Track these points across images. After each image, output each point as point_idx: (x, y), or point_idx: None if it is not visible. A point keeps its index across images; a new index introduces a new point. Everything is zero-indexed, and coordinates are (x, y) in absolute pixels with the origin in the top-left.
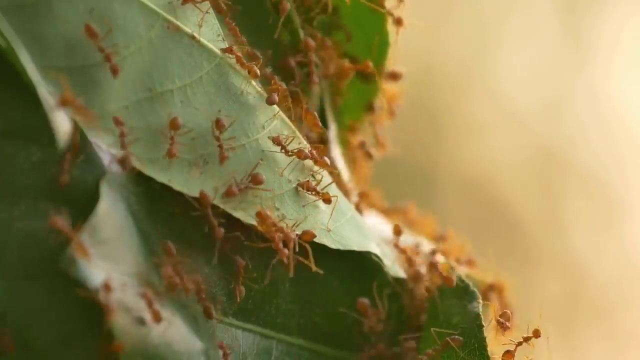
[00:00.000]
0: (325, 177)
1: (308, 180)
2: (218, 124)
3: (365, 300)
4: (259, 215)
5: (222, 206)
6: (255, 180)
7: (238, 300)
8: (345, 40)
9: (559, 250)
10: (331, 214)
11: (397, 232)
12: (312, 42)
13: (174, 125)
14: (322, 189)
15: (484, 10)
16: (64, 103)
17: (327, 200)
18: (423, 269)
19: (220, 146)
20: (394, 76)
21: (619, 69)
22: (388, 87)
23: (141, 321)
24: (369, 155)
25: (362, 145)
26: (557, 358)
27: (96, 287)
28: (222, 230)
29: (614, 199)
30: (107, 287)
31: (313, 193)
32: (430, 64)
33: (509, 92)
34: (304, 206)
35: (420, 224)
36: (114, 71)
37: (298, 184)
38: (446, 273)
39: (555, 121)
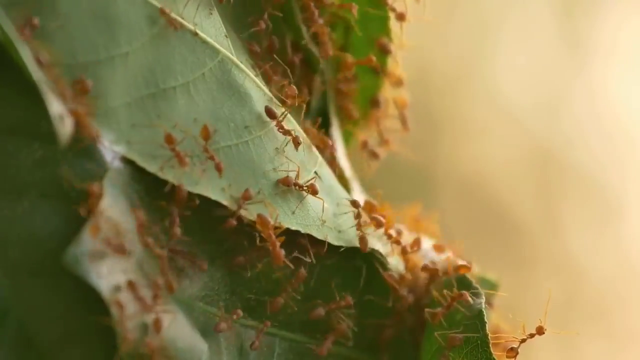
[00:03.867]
0: (326, 172)
1: (287, 176)
2: (204, 132)
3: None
4: (260, 219)
5: (225, 203)
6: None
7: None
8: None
9: (556, 250)
10: (322, 210)
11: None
12: None
13: (169, 140)
14: (307, 182)
15: (482, 11)
16: (74, 116)
17: (314, 192)
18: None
19: (211, 157)
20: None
21: (616, 70)
22: (397, 94)
23: (145, 326)
24: (374, 155)
25: (365, 144)
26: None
27: (106, 297)
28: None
29: (611, 200)
30: (119, 306)
31: (297, 188)
32: (428, 64)
33: (507, 92)
34: (306, 203)
35: (419, 222)
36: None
37: (278, 181)
38: (455, 266)
39: (553, 122)
